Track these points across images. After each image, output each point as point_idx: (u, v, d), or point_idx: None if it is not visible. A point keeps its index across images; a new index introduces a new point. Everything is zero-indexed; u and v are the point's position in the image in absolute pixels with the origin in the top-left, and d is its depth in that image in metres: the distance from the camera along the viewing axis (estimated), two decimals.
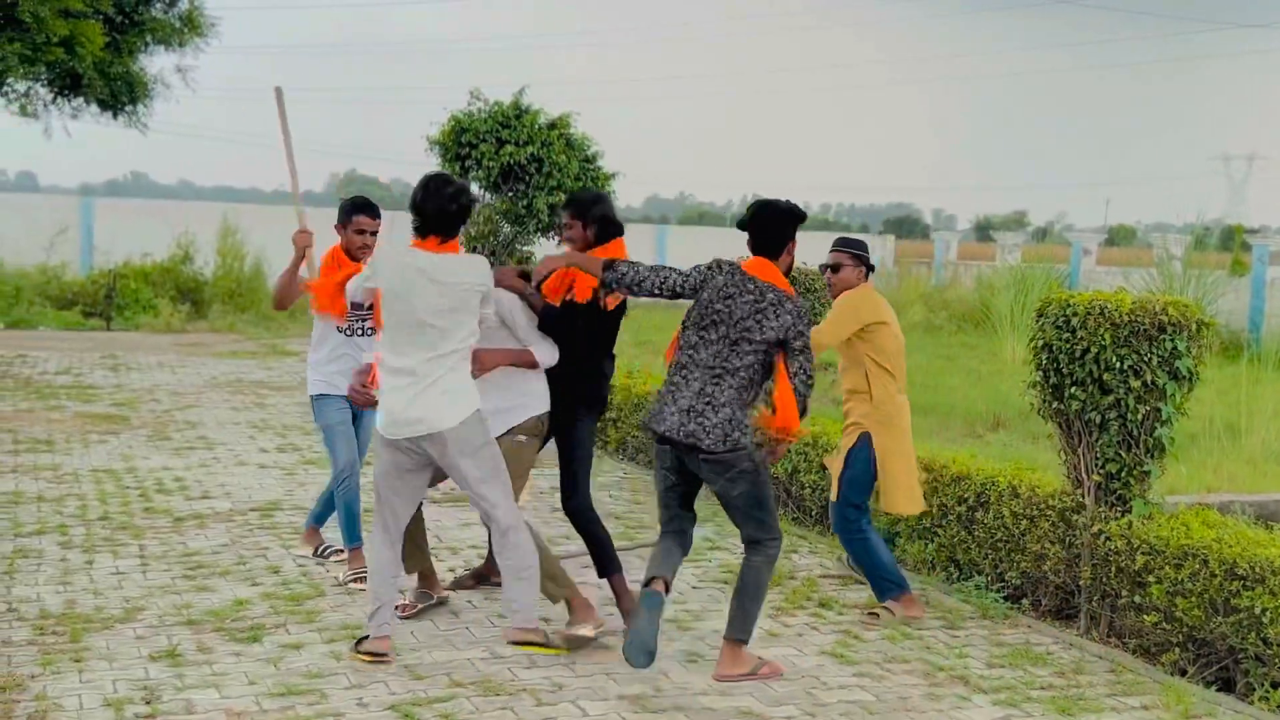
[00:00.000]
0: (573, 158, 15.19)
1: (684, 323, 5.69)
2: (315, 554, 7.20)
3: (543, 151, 14.94)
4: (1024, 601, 6.79)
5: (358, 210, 6.78)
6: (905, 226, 74.62)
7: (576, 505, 6.12)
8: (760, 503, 5.54)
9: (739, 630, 5.53)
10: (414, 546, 6.13)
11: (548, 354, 5.94)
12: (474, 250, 15.53)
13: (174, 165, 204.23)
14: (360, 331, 6.67)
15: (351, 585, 6.64)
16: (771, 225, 5.71)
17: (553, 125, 15.33)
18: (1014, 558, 6.86)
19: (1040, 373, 6.64)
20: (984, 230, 62.08)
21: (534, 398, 6.02)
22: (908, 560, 7.49)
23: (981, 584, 6.95)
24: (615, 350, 6.24)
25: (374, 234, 6.76)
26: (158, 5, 18.06)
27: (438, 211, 5.43)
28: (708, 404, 5.43)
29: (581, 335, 6.01)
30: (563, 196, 14.94)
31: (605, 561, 6.15)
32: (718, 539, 8.03)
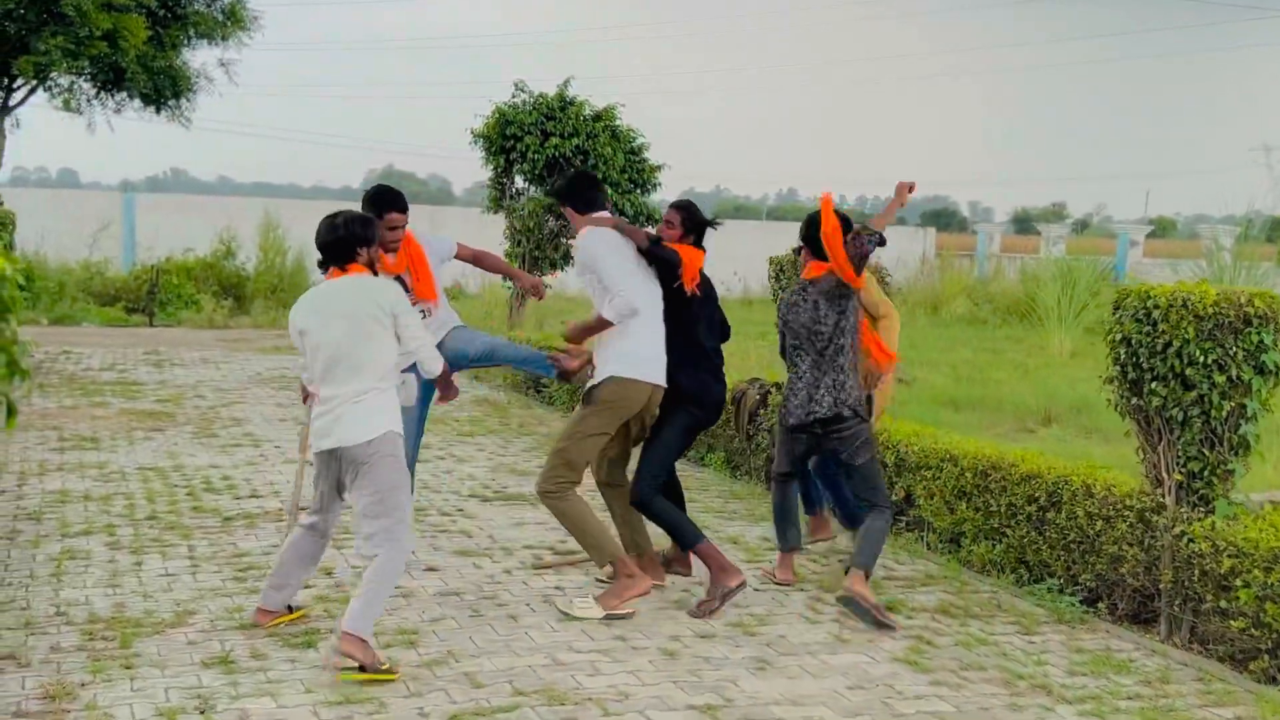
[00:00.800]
0: (618, 150, 14.99)
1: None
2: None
3: (588, 144, 14.75)
4: (1100, 605, 6.55)
5: (389, 205, 6.61)
6: (942, 219, 74.09)
7: (634, 498, 6.36)
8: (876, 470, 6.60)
9: (867, 560, 6.34)
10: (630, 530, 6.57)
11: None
12: (517, 243, 15.36)
13: (213, 162, 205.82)
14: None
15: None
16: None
17: (598, 117, 15.13)
18: (1089, 560, 6.61)
19: (1118, 367, 6.38)
20: (1022, 223, 61.49)
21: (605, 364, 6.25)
22: (974, 561, 7.26)
23: (1054, 587, 6.71)
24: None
25: (404, 227, 6.63)
26: None
27: (325, 244, 5.58)
28: (823, 388, 6.43)
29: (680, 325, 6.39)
30: (609, 190, 14.75)
31: (683, 537, 6.33)
32: (774, 538, 7.80)
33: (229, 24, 17.96)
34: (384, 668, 5.23)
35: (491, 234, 17.53)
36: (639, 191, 15.27)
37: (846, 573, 6.38)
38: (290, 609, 5.92)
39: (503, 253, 15.73)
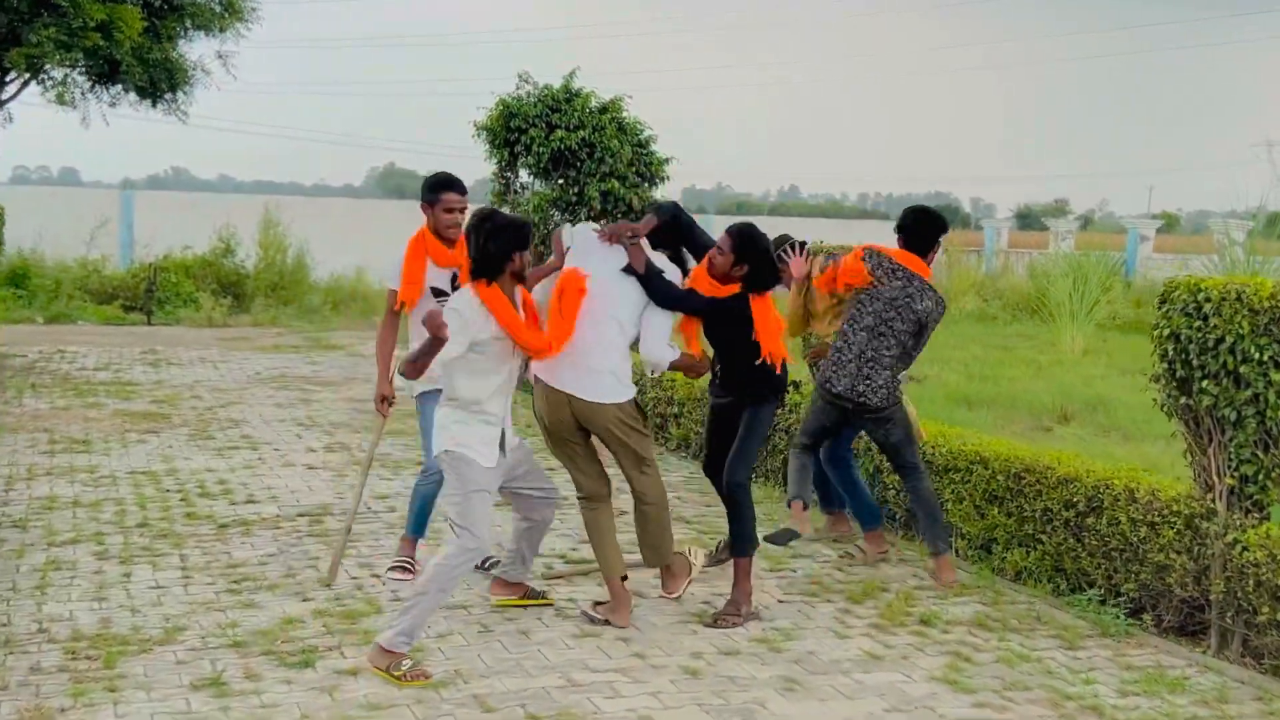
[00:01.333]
0: (625, 142, 14.57)
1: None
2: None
3: (594, 136, 14.33)
4: (1144, 617, 6.18)
5: (445, 187, 6.34)
6: (945, 216, 73.74)
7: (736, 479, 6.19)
8: (911, 439, 6.94)
9: (942, 543, 6.80)
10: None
11: None
12: None
13: (214, 160, 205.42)
14: None
15: (389, 575, 6.46)
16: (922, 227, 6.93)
17: (604, 109, 14.71)
18: (1132, 568, 6.24)
19: (1165, 365, 6.01)
20: (1026, 219, 61.10)
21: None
22: (1006, 569, 6.89)
23: (1096, 598, 6.34)
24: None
25: (462, 211, 6.31)
26: None
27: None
28: (872, 367, 6.67)
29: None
30: (615, 183, 14.36)
31: (742, 541, 6.14)
32: (799, 545, 7.45)
33: (227, 15, 17.53)
34: (398, 673, 5.05)
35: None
36: (647, 185, 14.87)
37: (936, 568, 6.79)
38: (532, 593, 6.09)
39: None
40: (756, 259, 6.03)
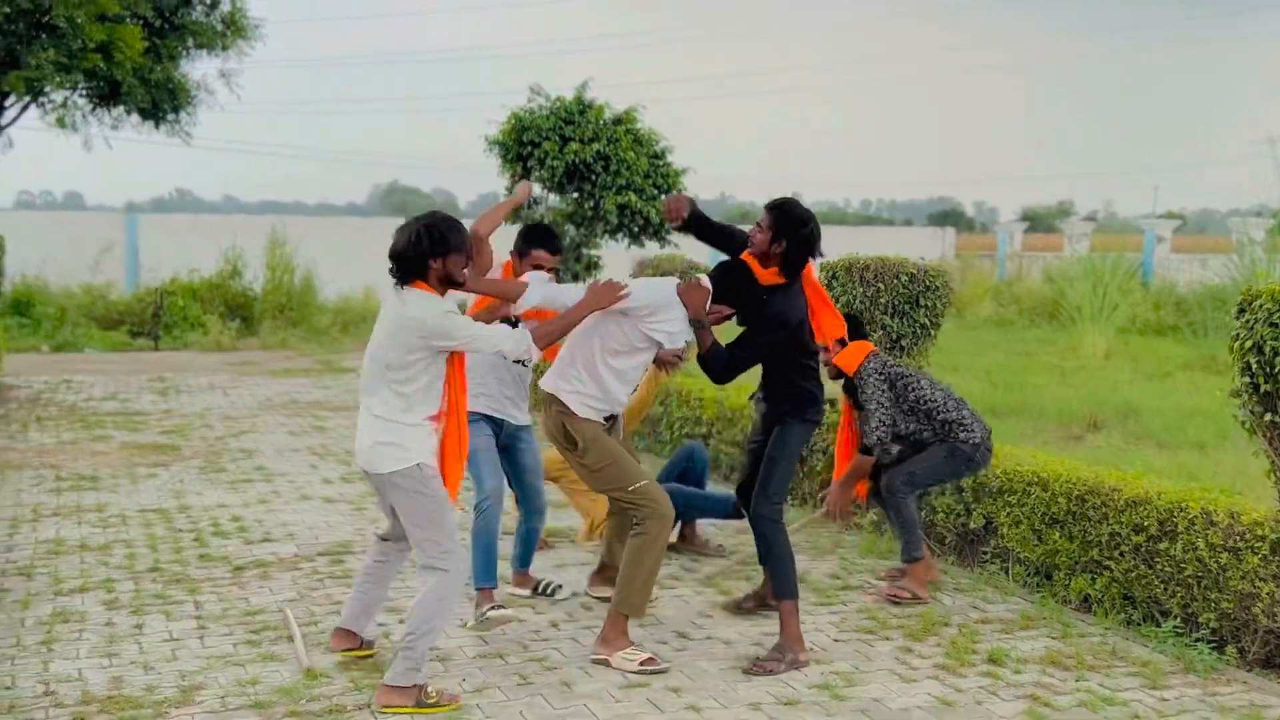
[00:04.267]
0: (641, 154, 14.18)
1: None
2: (535, 592, 6.48)
3: (609, 148, 13.94)
4: (1227, 649, 5.76)
5: (537, 243, 6.09)
6: (949, 219, 73.37)
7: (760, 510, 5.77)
8: None
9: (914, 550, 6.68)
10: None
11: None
12: None
13: (218, 181, 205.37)
14: None
15: (490, 614, 5.89)
16: None
17: (618, 120, 14.33)
18: (1212, 597, 5.82)
19: (1247, 379, 5.60)
20: (1032, 221, 60.72)
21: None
22: (1071, 598, 6.48)
23: (1173, 629, 5.92)
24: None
25: (552, 269, 6.09)
26: (199, 8, 17.22)
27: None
28: None
29: None
30: (632, 196, 13.97)
31: (782, 582, 5.69)
32: (845, 575, 7.06)
33: (229, 33, 17.21)
34: (431, 701, 4.84)
35: (509, 244, 16.79)
36: (663, 197, 14.48)
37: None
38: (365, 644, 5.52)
39: None
40: (794, 234, 5.54)
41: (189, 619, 6.12)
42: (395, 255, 4.98)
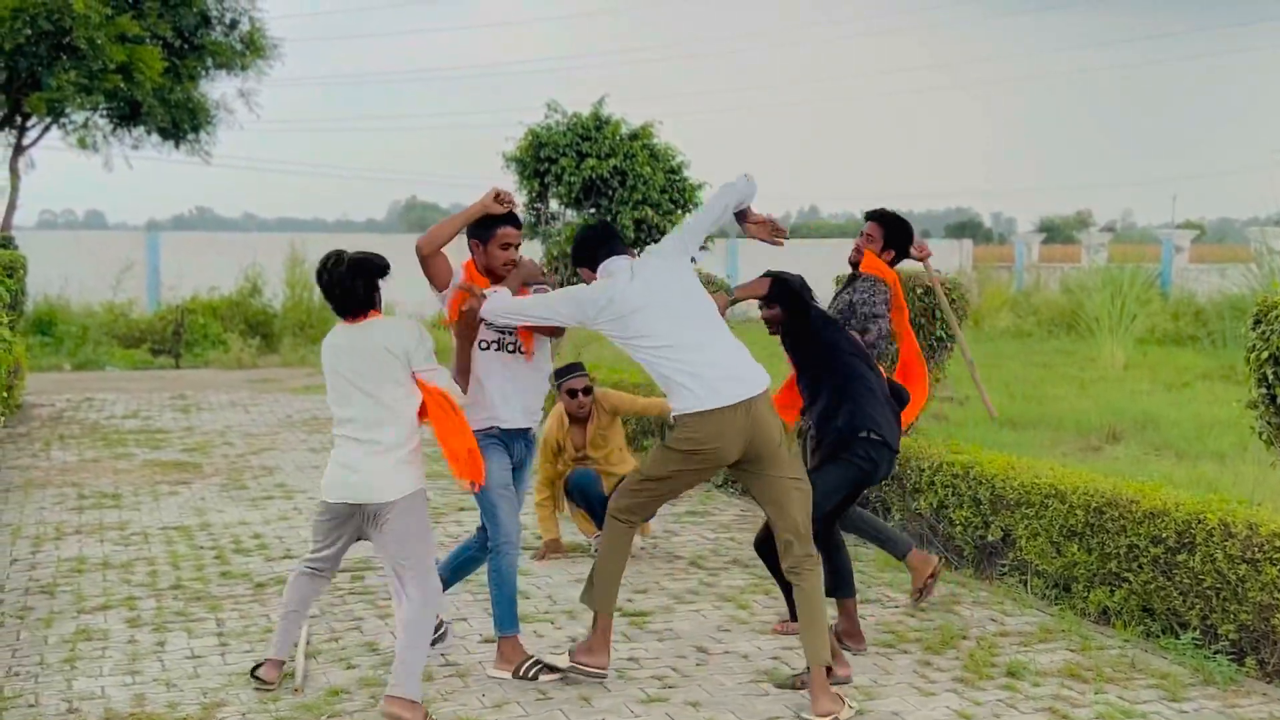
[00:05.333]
0: (657, 169, 14.27)
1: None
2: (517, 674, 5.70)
3: (626, 164, 14.03)
4: (1247, 661, 5.75)
5: (501, 219, 5.60)
6: (966, 231, 73.35)
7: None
8: None
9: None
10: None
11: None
12: (555, 270, 14.65)
13: (238, 199, 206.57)
14: (510, 347, 5.63)
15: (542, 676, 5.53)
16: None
17: (635, 136, 14.42)
18: (1231, 609, 5.81)
19: (1263, 390, 5.61)
20: (1050, 232, 60.63)
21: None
22: (1089, 610, 6.48)
23: (1192, 641, 5.92)
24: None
25: (518, 247, 5.71)
26: (218, 28, 17.37)
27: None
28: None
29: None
30: (649, 210, 14.05)
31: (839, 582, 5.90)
32: (862, 589, 7.05)
33: (248, 53, 17.36)
34: None
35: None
36: (680, 211, 14.56)
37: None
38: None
39: None
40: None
41: (211, 636, 6.17)
42: (345, 294, 5.16)
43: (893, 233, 6.25)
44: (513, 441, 5.65)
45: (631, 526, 5.43)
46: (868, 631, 6.28)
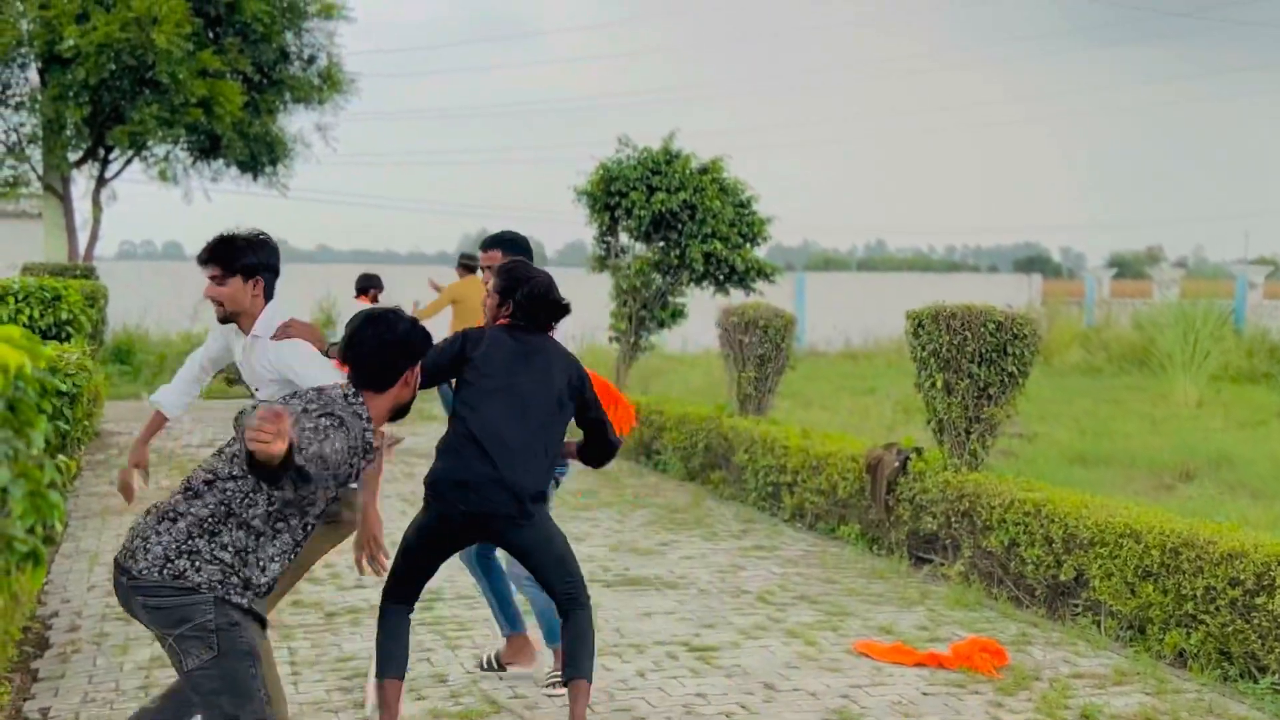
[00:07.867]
0: (726, 203, 14.30)
1: None
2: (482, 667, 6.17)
3: (695, 198, 14.07)
4: None
5: (490, 245, 6.00)
6: (1035, 266, 72.78)
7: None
8: None
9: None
10: None
11: None
12: (623, 303, 14.72)
13: (313, 231, 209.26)
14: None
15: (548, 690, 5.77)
16: None
17: (704, 170, 14.46)
18: None
19: None
20: (1121, 267, 59.96)
21: None
22: (1164, 653, 6.38)
23: (1270, 686, 5.81)
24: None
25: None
26: (296, 63, 17.70)
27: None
28: None
29: None
30: (718, 244, 14.08)
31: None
32: (932, 627, 7.00)
33: (325, 87, 17.69)
34: None
35: (597, 294, 16.93)
36: (749, 245, 14.59)
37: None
38: None
39: (609, 313, 15.10)
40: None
41: (283, 665, 6.23)
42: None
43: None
44: None
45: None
46: (939, 670, 6.22)
